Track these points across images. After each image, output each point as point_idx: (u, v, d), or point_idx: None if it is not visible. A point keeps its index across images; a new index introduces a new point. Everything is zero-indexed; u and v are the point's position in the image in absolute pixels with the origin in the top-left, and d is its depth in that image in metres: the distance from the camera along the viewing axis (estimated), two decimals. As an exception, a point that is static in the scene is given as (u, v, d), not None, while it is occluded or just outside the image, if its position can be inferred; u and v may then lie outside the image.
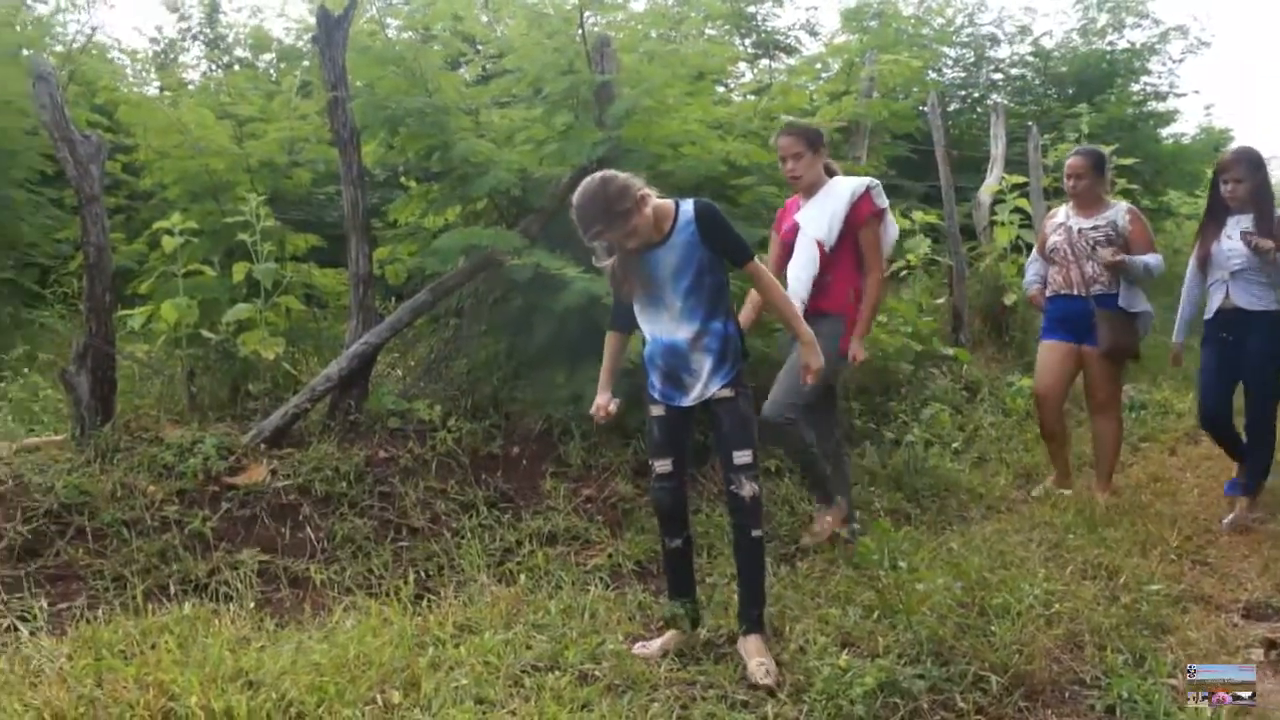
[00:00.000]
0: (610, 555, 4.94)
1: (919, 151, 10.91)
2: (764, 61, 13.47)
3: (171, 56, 14.41)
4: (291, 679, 3.26)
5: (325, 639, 3.67)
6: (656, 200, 3.81)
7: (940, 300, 9.35)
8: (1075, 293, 6.10)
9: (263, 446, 5.29)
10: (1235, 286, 5.76)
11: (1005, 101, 12.59)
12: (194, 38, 14.94)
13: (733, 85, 11.24)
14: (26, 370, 6.56)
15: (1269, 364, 5.76)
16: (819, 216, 5.13)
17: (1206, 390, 5.97)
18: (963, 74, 15.05)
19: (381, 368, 6.46)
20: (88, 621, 3.81)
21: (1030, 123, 11.62)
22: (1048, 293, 6.31)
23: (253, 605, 4.12)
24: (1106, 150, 6.87)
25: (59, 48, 10.13)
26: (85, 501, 4.65)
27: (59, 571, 4.32)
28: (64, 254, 8.85)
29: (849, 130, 7.72)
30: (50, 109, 5.15)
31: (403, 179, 7.52)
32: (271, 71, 12.68)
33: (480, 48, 7.83)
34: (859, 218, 5.09)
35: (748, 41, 13.41)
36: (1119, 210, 6.13)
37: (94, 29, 15.64)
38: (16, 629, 3.75)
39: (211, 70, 13.38)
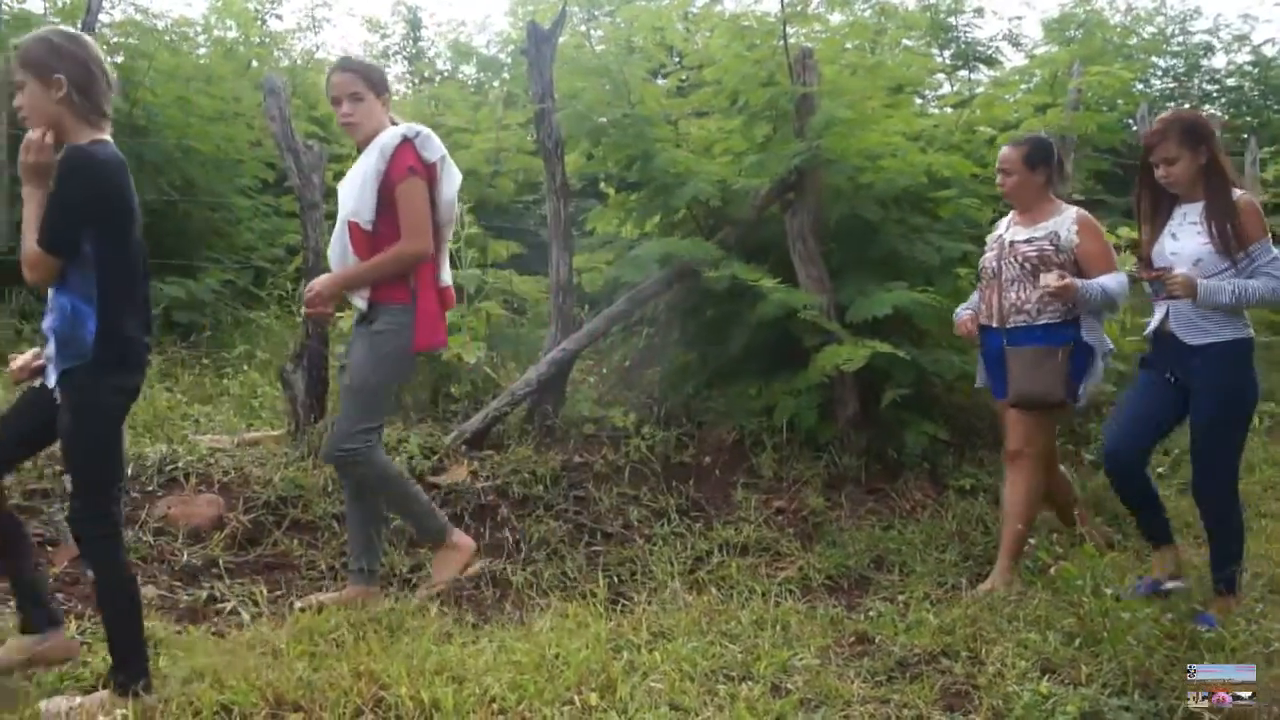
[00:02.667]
0: (801, 568, 4.92)
1: (1124, 165, 10.54)
2: (963, 73, 13.22)
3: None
4: (494, 675, 3.36)
5: (524, 638, 3.77)
6: None
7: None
8: (993, 324, 4.85)
9: (464, 448, 5.47)
10: (1177, 307, 4.26)
11: (1220, 113, 12.05)
12: (397, 54, 15.56)
13: (930, 97, 11.08)
14: (246, 367, 6.94)
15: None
16: (350, 185, 4.16)
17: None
18: (1172, 84, 14.45)
19: (576, 374, 6.58)
20: (303, 609, 4.00)
21: (1247, 135, 11.09)
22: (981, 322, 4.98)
23: (454, 601, 4.25)
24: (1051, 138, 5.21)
25: (285, 62, 10.68)
26: (300, 495, 4.89)
27: (276, 560, 4.55)
28: (279, 257, 9.32)
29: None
30: (279, 121, 5.45)
31: (603, 187, 7.66)
32: (471, 84, 13.10)
33: (680, 59, 7.92)
34: (396, 176, 4.05)
35: (947, 53, 13.18)
36: (1065, 218, 4.81)
37: (318, 46, 16.40)
38: (239, 613, 3.96)
39: (416, 84, 13.88)
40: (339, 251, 4.17)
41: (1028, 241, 4.80)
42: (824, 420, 5.91)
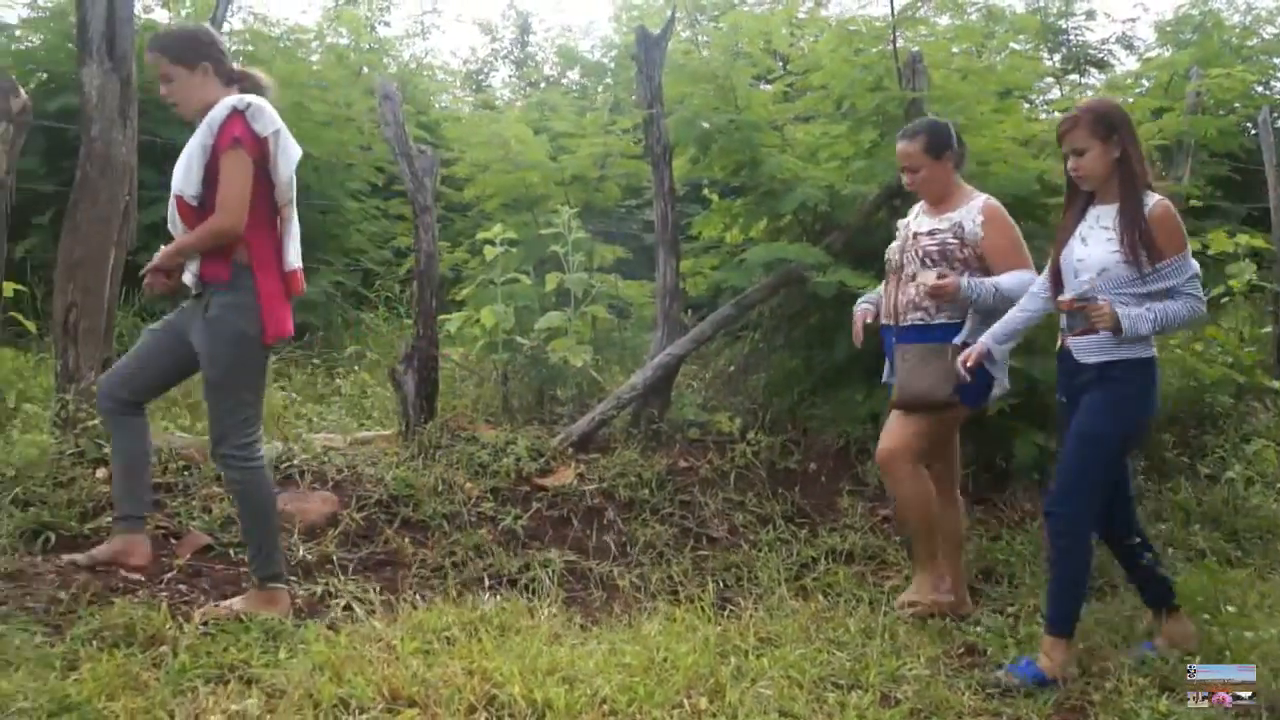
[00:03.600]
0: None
1: (1241, 170, 10.26)
2: (1073, 77, 12.98)
3: (484, 76, 15.26)
4: (604, 677, 3.39)
5: (633, 640, 3.79)
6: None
7: (1265, 330, 8.74)
8: (888, 321, 4.55)
9: (570, 450, 5.51)
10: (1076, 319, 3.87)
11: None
12: (504, 58, 15.76)
13: (1039, 101, 10.90)
14: (356, 368, 7.07)
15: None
16: (181, 160, 3.86)
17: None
18: (1294, 85, 14.01)
19: (681, 378, 6.59)
20: (414, 606, 4.06)
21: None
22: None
23: (561, 603, 4.29)
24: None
25: (393, 68, 10.88)
26: (410, 494, 4.97)
27: (388, 558, 4.62)
28: (388, 259, 9.50)
29: (1169, 149, 7.35)
30: (393, 126, 5.55)
31: (706, 193, 7.68)
32: (575, 89, 13.21)
33: (785, 64, 7.91)
34: (220, 147, 3.75)
35: (1056, 57, 12.95)
36: (972, 207, 4.45)
37: (427, 51, 16.67)
38: (352, 609, 4.04)
39: (524, 89, 14.04)
40: (176, 226, 3.93)
41: (930, 234, 4.46)
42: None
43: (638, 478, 5.31)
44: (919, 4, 6.70)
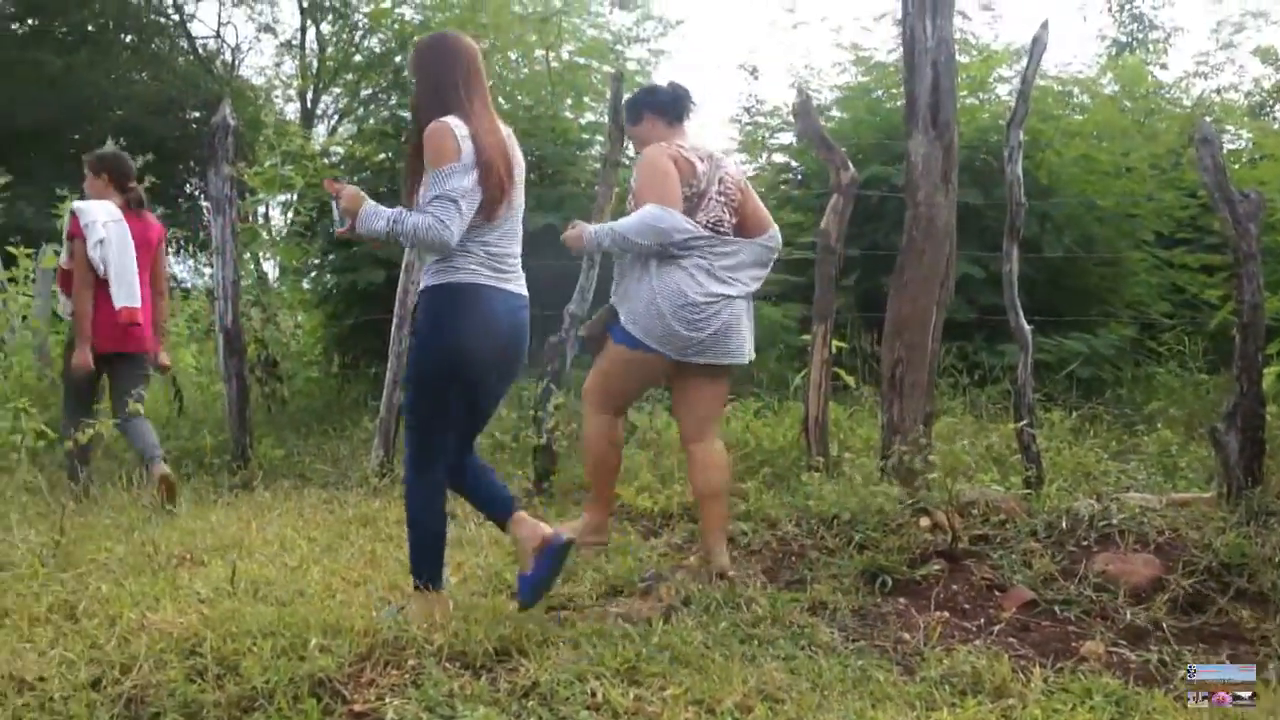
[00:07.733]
0: None
1: None
2: None
3: (1268, 108, 14.15)
4: None
5: None
6: None
7: None
8: None
9: None
10: None
11: None
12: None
13: None
14: (1158, 424, 6.77)
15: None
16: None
17: None
18: None
19: None
20: (1266, 684, 3.72)
21: None
22: None
23: None
24: None
25: (1175, 112, 10.42)
26: (1244, 563, 4.61)
27: (1223, 630, 4.31)
28: (1171, 312, 9.06)
29: None
30: (1212, 171, 5.26)
31: None
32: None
33: None
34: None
35: None
36: None
37: (1220, 90, 15.83)
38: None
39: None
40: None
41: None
42: None
43: None
44: None
